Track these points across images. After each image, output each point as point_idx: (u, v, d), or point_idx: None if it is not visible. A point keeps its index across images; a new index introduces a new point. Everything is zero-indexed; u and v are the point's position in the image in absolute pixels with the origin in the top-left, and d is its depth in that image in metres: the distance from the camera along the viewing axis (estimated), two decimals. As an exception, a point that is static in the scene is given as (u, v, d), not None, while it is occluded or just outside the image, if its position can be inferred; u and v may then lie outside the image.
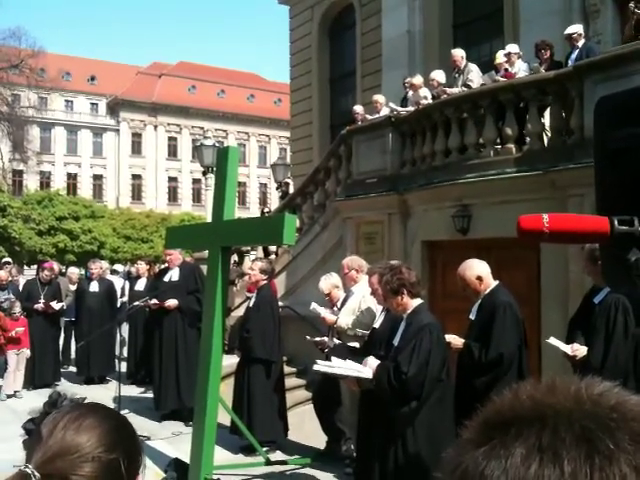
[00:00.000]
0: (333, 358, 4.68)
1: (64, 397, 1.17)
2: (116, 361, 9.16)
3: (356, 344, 5.55)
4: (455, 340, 4.68)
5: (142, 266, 10.82)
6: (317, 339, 6.02)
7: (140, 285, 10.43)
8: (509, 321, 4.54)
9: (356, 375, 4.25)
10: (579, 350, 4.32)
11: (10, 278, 11.49)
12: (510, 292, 4.77)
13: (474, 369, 4.52)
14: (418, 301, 4.28)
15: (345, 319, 6.07)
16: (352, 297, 6.22)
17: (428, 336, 4.03)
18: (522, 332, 4.69)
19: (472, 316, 4.81)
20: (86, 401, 1.20)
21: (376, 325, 5.17)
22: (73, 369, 10.79)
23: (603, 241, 1.92)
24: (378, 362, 4.17)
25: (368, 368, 4.19)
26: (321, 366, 4.63)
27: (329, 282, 6.51)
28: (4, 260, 15.21)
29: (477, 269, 4.74)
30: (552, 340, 4.54)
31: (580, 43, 8.15)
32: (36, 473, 0.96)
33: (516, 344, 4.57)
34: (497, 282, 4.77)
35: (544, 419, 0.62)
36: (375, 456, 4.19)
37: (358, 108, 11.88)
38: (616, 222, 1.73)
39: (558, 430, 0.61)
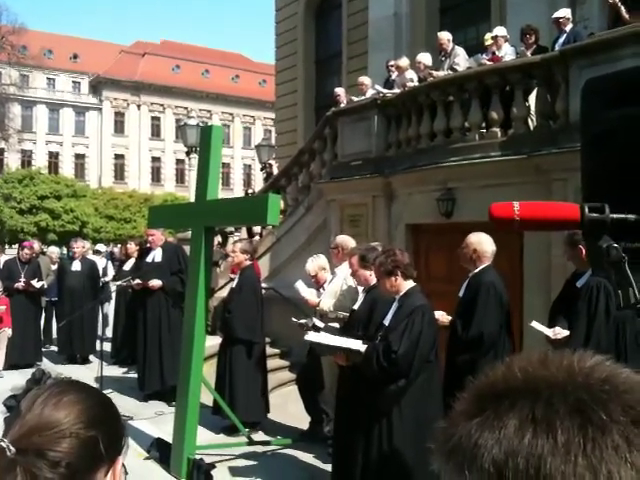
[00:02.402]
0: (323, 332, 4.72)
1: (48, 375, 1.15)
2: (98, 341, 9.13)
3: (336, 325, 5.57)
4: (443, 317, 4.84)
5: (132, 246, 10.75)
6: (302, 321, 6.02)
7: (129, 265, 10.37)
8: (492, 300, 4.63)
9: (347, 347, 4.29)
10: (560, 333, 4.37)
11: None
12: (499, 273, 4.86)
13: (457, 346, 4.63)
14: (411, 283, 4.31)
15: (327, 301, 6.08)
16: (335, 279, 6.22)
17: (420, 317, 4.07)
18: (506, 313, 4.77)
19: (460, 294, 4.92)
20: (49, 371, 1.18)
21: (355, 306, 5.19)
22: (54, 349, 10.74)
23: (574, 228, 1.93)
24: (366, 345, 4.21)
25: (359, 341, 4.23)
26: (313, 336, 4.67)
27: (316, 264, 6.51)
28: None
29: (480, 244, 4.83)
30: (534, 324, 4.58)
31: (568, 28, 8.13)
32: (11, 447, 0.94)
33: (498, 323, 4.63)
34: (488, 263, 4.86)
35: (537, 391, 0.63)
36: (359, 435, 4.22)
37: (339, 90, 11.82)
38: (587, 209, 1.73)
39: (552, 402, 0.61)
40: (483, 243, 4.84)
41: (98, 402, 1.09)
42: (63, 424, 0.99)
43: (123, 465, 1.11)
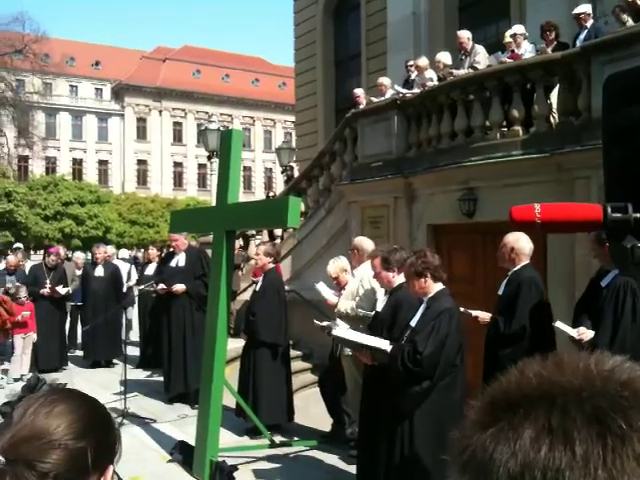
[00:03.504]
0: (350, 330, 4.71)
1: (43, 382, 1.14)
2: (122, 345, 9.21)
3: (360, 326, 5.52)
4: (483, 315, 4.88)
5: (153, 251, 10.86)
6: (325, 323, 6.01)
7: (150, 270, 10.47)
8: (534, 296, 4.66)
9: (374, 345, 4.29)
10: (585, 334, 4.32)
11: (20, 263, 11.57)
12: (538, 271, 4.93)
13: (499, 342, 4.62)
14: (440, 286, 4.31)
15: (344, 303, 6.07)
16: (352, 281, 6.21)
17: (447, 320, 4.06)
18: (547, 308, 4.80)
19: (500, 291, 4.94)
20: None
21: (379, 308, 5.16)
22: (79, 353, 10.86)
23: (597, 229, 1.89)
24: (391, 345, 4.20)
25: (386, 341, 4.22)
26: (340, 331, 4.67)
27: (337, 266, 6.50)
28: (15, 246, 15.30)
29: (518, 242, 4.84)
30: (558, 324, 4.53)
31: (589, 23, 8.03)
32: (1, 457, 0.94)
33: (540, 318, 4.63)
34: (527, 261, 4.88)
35: (553, 398, 0.60)
36: (382, 436, 4.21)
37: (359, 91, 11.79)
38: (609, 209, 1.70)
39: (568, 410, 0.59)
40: (520, 241, 4.86)
41: (90, 411, 1.08)
42: (53, 434, 0.98)
43: (116, 473, 1.10)
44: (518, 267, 4.84)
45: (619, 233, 1.64)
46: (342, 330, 4.80)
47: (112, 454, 1.09)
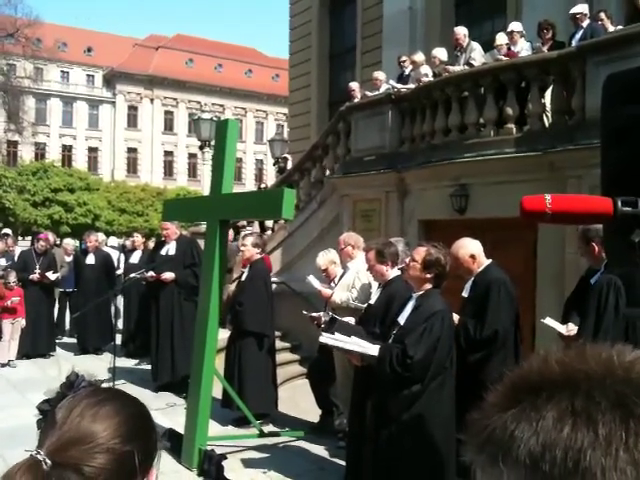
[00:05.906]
0: (337, 333, 4.65)
1: (82, 379, 1.10)
2: (112, 332, 9.20)
3: (352, 319, 5.51)
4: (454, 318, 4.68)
5: (138, 238, 10.81)
6: (313, 314, 6.03)
7: (135, 258, 10.43)
8: (503, 298, 4.58)
9: (361, 351, 4.19)
10: (574, 330, 4.34)
11: (10, 248, 11.53)
12: (503, 270, 4.81)
13: (469, 346, 4.54)
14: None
15: (340, 295, 6.09)
16: (347, 273, 6.23)
17: (440, 322, 3.94)
18: (516, 309, 4.74)
19: (465, 294, 4.84)
20: (83, 374, 1.14)
21: (372, 301, 5.18)
22: (67, 340, 10.82)
23: (606, 222, 1.91)
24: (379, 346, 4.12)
25: (374, 346, 4.13)
26: (327, 339, 4.60)
27: (326, 258, 6.52)
28: (4, 231, 15.20)
29: (470, 247, 4.79)
30: (548, 320, 4.56)
31: (585, 23, 8.06)
32: (47, 460, 0.92)
33: (511, 321, 4.61)
34: (490, 260, 4.82)
35: (576, 384, 0.62)
36: (368, 436, 4.18)
37: (354, 85, 11.78)
38: (619, 203, 1.72)
39: (592, 395, 0.60)
40: (470, 245, 4.80)
41: (136, 413, 1.06)
42: (100, 438, 0.96)
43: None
44: (482, 268, 4.75)
45: (628, 227, 1.67)
46: (330, 336, 4.70)
47: (154, 457, 1.07)
